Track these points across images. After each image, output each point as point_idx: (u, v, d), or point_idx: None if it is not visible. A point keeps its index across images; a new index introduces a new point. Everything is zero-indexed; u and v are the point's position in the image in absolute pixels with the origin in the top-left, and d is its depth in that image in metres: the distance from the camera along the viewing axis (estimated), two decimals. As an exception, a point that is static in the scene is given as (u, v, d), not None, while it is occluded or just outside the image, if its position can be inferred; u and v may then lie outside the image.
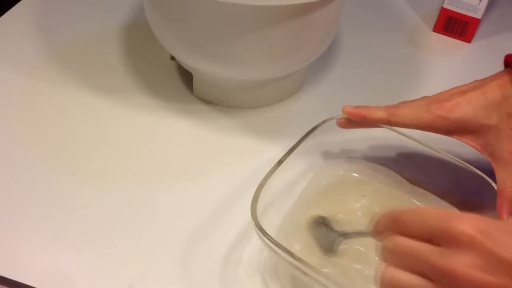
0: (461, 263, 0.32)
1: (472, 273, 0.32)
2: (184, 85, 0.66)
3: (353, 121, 0.51)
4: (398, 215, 0.36)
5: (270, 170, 0.47)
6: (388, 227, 0.36)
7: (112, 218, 0.52)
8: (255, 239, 0.48)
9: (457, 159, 0.50)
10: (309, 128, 0.51)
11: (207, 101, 0.64)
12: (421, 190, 0.51)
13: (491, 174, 0.48)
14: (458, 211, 0.40)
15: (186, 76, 0.66)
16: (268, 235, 0.42)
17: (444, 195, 0.51)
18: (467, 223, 0.33)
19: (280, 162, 0.47)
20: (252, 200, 0.44)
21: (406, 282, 0.34)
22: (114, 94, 0.64)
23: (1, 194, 0.53)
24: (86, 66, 0.67)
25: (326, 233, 0.47)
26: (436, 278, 0.33)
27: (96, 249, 0.49)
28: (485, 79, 0.50)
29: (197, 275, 0.48)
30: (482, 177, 0.49)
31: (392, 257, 0.35)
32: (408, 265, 0.34)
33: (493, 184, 0.48)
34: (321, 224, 0.48)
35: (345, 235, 0.46)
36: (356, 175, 0.53)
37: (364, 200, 0.51)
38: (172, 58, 0.66)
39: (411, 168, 0.52)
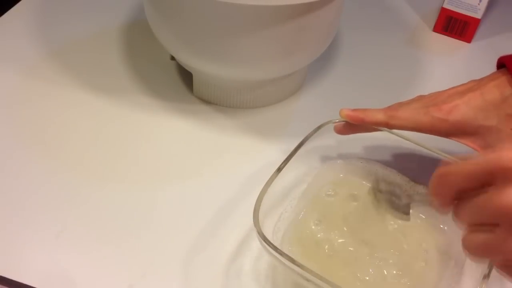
0: None
1: None
2: (184, 85, 0.66)
3: (351, 126, 0.51)
4: (445, 170, 0.35)
5: (269, 178, 0.46)
6: (439, 183, 0.36)
7: (112, 218, 0.52)
8: (256, 244, 0.48)
9: (457, 160, 0.50)
10: (309, 128, 0.51)
11: (207, 101, 0.64)
12: (424, 190, 0.51)
13: None
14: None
15: (186, 76, 0.66)
16: (272, 244, 0.42)
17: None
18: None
19: (279, 169, 0.47)
20: (254, 210, 0.44)
21: (477, 242, 0.34)
22: (114, 94, 0.64)
23: (1, 194, 0.53)
24: (86, 66, 0.67)
25: (393, 198, 0.48)
26: (501, 221, 0.32)
27: (96, 249, 0.49)
28: (481, 79, 0.50)
29: (198, 272, 0.48)
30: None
31: (463, 218, 0.35)
32: (477, 221, 0.34)
33: None
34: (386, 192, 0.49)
35: (410, 198, 0.47)
36: (355, 177, 0.52)
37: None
38: (172, 58, 0.66)
39: (411, 170, 0.52)
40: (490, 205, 0.32)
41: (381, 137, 0.51)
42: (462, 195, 0.35)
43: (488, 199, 0.32)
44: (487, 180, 0.33)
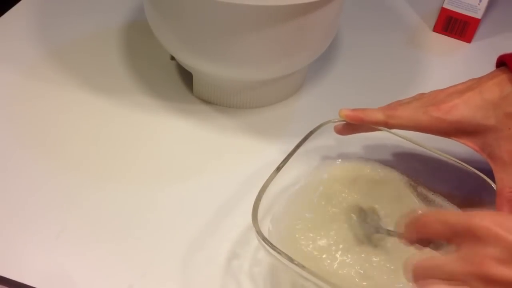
0: (486, 259, 0.33)
1: (498, 268, 0.33)
2: (184, 85, 0.66)
3: (350, 126, 0.51)
4: (420, 216, 0.38)
5: (268, 178, 0.46)
6: (412, 228, 0.39)
7: (112, 218, 0.52)
8: (255, 243, 0.48)
9: (455, 160, 0.50)
10: (309, 128, 0.51)
11: (207, 101, 0.64)
12: (424, 190, 0.51)
13: (490, 173, 0.48)
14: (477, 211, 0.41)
15: (186, 76, 0.66)
16: (271, 243, 0.42)
17: (444, 196, 0.51)
18: (487, 219, 0.34)
19: (278, 169, 0.47)
20: (253, 209, 0.44)
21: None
22: (114, 94, 0.64)
23: (1, 194, 0.53)
24: (86, 66, 0.67)
25: (360, 223, 0.48)
26: (470, 281, 0.34)
27: (96, 249, 0.49)
28: (481, 78, 0.49)
29: (197, 272, 0.48)
30: (481, 177, 0.48)
31: (424, 274, 0.37)
32: (441, 278, 0.36)
33: (492, 184, 0.48)
34: (357, 214, 0.48)
35: (378, 230, 0.47)
36: (353, 177, 0.52)
37: (366, 201, 0.51)
38: (172, 58, 0.66)
39: (410, 170, 0.52)
40: (462, 267, 0.34)
41: (381, 137, 0.51)
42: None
43: (460, 261, 0.35)
44: (456, 235, 0.35)
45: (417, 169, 0.52)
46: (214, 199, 0.54)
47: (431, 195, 0.51)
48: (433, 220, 0.37)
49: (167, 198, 0.54)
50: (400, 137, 0.51)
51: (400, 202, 0.50)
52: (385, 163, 0.52)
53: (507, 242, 0.33)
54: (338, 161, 0.53)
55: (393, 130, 0.51)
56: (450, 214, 0.37)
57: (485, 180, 0.48)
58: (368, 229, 0.47)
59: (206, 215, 0.52)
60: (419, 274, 0.37)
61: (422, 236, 0.38)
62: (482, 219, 0.34)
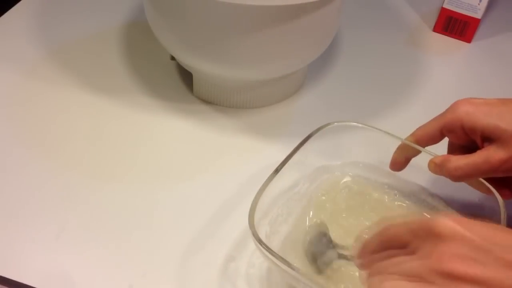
0: (446, 254, 0.33)
1: (458, 263, 0.32)
2: (184, 85, 0.66)
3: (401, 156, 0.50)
4: (382, 229, 0.38)
5: (266, 180, 0.46)
6: (374, 238, 0.38)
7: (112, 218, 0.52)
8: (253, 246, 0.48)
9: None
10: (309, 128, 0.51)
11: (207, 101, 0.64)
12: (423, 194, 0.51)
13: (489, 178, 0.48)
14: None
15: (186, 76, 0.66)
16: (267, 246, 0.41)
17: (444, 201, 0.50)
18: (448, 218, 0.34)
19: (276, 171, 0.47)
20: (250, 212, 0.43)
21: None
22: (114, 94, 0.64)
23: (1, 194, 0.53)
24: (86, 66, 0.67)
25: (324, 249, 0.47)
26: (430, 277, 0.33)
27: (96, 249, 0.49)
28: None
29: (196, 273, 0.48)
30: (481, 182, 0.48)
31: (382, 270, 0.36)
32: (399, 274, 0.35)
33: (492, 189, 0.47)
34: (321, 239, 0.47)
35: (341, 256, 0.46)
36: (353, 179, 0.52)
37: (363, 208, 0.50)
38: (172, 58, 0.66)
39: (410, 174, 0.52)
40: (423, 262, 0.34)
41: (380, 139, 0.51)
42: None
43: (422, 258, 0.34)
44: (418, 238, 0.35)
45: (417, 173, 0.51)
46: (214, 199, 0.54)
47: (430, 200, 0.51)
48: (395, 224, 0.37)
49: (167, 198, 0.54)
50: (400, 139, 0.50)
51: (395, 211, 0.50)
52: (384, 165, 0.52)
53: (466, 238, 0.33)
54: (338, 163, 0.53)
55: (393, 133, 0.50)
56: (411, 219, 0.36)
57: (484, 185, 0.47)
58: (330, 255, 0.46)
59: (206, 215, 0.52)
60: (376, 271, 0.36)
61: (383, 240, 0.37)
62: (444, 218, 0.34)
